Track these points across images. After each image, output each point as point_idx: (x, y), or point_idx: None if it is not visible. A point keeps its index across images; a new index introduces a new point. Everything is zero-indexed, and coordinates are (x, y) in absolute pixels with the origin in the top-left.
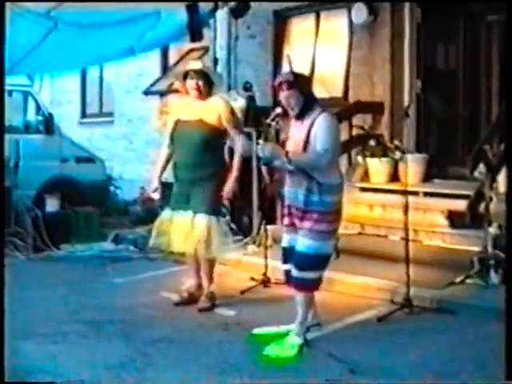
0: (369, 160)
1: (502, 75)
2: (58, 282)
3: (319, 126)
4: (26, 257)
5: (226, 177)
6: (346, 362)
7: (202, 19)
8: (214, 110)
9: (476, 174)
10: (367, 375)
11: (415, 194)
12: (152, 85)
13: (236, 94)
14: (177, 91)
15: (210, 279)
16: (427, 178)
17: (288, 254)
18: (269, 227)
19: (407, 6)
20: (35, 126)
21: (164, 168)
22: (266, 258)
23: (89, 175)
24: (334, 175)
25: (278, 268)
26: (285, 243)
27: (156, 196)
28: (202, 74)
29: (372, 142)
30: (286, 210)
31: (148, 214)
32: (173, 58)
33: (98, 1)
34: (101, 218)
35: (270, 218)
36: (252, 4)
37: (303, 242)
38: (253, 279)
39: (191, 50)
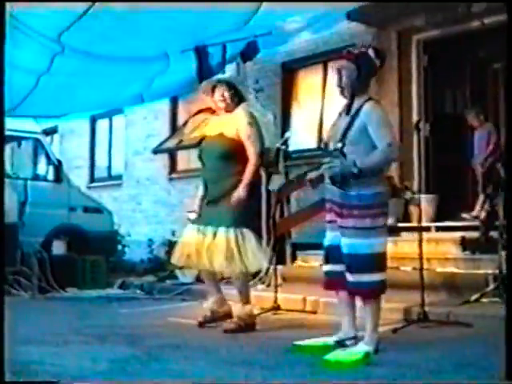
0: None
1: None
2: (63, 312)
3: (369, 117)
4: (30, 296)
5: (252, 188)
6: None
7: (212, 68)
8: (234, 122)
9: None
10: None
11: (427, 229)
12: (161, 143)
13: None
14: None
15: (244, 299)
16: (438, 219)
17: (330, 254)
18: (278, 267)
19: (414, 51)
20: (43, 174)
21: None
22: (276, 288)
23: (96, 226)
24: None
25: (288, 299)
26: (327, 241)
27: (192, 216)
28: (229, 85)
29: None
30: (327, 205)
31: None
32: (182, 118)
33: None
34: (107, 270)
35: (279, 257)
36: (260, 56)
37: (349, 243)
38: (262, 309)
39: (200, 111)
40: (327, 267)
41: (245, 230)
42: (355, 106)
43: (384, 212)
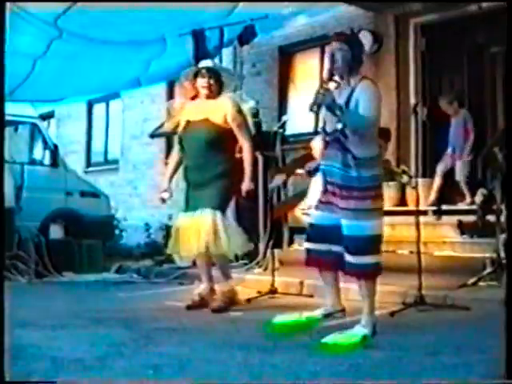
0: None
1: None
2: (60, 296)
3: (362, 92)
4: (27, 281)
5: (237, 174)
6: None
7: (209, 51)
8: (221, 109)
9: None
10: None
11: (424, 213)
12: (158, 128)
13: (245, 96)
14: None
15: (226, 276)
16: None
17: (313, 232)
18: (275, 250)
19: (411, 35)
20: (40, 159)
21: (175, 171)
22: (273, 272)
23: (93, 210)
24: (371, 147)
25: (285, 282)
26: (313, 219)
27: (166, 195)
28: (213, 73)
29: None
30: (322, 186)
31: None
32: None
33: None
34: (104, 254)
35: (276, 241)
36: (257, 40)
37: (351, 224)
38: (259, 293)
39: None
40: (309, 245)
41: (228, 215)
42: (350, 86)
43: (381, 194)
